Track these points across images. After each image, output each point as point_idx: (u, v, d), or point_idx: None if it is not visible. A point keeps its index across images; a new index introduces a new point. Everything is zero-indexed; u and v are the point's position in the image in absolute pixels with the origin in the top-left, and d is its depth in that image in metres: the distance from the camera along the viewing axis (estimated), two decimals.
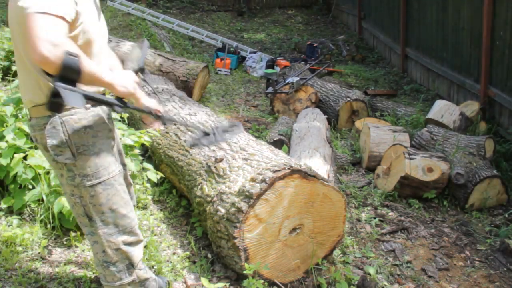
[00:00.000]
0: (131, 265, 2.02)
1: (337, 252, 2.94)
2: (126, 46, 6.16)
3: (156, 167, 3.51)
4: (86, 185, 1.85)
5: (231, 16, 11.95)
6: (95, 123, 1.85)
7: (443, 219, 3.60)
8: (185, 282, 2.54)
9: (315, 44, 8.55)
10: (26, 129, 3.00)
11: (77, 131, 1.79)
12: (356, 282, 2.68)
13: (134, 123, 4.09)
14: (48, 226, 2.82)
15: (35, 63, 1.52)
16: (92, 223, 1.92)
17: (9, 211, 2.97)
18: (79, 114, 1.80)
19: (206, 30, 9.49)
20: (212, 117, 3.70)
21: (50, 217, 2.81)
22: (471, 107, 4.95)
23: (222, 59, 7.82)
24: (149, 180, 3.44)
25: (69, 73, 1.52)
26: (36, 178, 2.89)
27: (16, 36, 1.68)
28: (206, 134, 2.03)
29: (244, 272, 2.36)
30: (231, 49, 8.15)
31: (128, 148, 3.29)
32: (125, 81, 1.81)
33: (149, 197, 3.36)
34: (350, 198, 3.78)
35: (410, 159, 3.71)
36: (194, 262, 2.72)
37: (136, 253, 2.03)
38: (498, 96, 4.75)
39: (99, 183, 1.87)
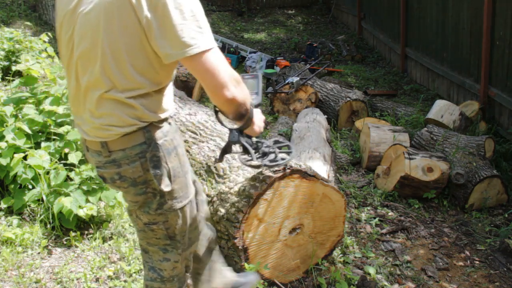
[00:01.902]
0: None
1: (337, 252, 2.94)
2: None
3: None
4: (176, 208, 1.64)
5: (231, 16, 11.95)
6: (179, 140, 1.64)
7: (443, 219, 3.60)
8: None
9: (315, 44, 8.55)
10: (26, 129, 3.00)
11: (171, 153, 1.57)
12: (356, 282, 2.68)
13: None
14: (48, 226, 2.82)
15: (221, 103, 1.42)
16: (173, 242, 1.72)
17: (9, 211, 2.97)
18: (169, 134, 1.58)
19: None
20: (212, 117, 3.69)
21: (50, 217, 2.81)
22: (471, 107, 4.95)
23: None
24: None
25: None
26: (36, 178, 2.89)
27: (109, 60, 1.43)
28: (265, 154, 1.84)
29: (244, 271, 2.36)
30: (231, 49, 8.15)
31: None
32: (260, 120, 1.68)
33: None
34: (350, 198, 3.78)
35: (410, 159, 3.71)
36: None
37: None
38: (498, 96, 4.75)
39: (188, 203, 1.69)
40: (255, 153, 1.73)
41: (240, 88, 1.43)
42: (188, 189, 1.68)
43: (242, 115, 1.51)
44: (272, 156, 1.72)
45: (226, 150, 1.74)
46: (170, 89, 1.60)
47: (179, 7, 1.33)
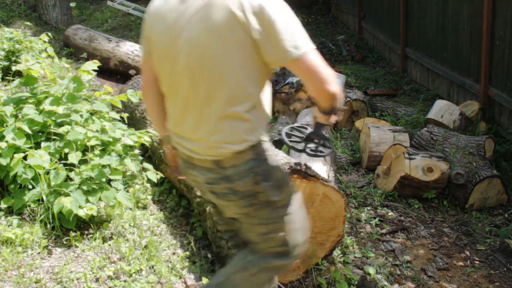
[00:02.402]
0: None
1: (337, 252, 2.94)
2: (126, 46, 6.17)
3: (156, 167, 3.51)
4: (287, 214, 1.73)
5: None
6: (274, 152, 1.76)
7: (443, 219, 3.60)
8: (185, 282, 2.54)
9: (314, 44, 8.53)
10: (26, 129, 3.00)
11: (275, 166, 1.68)
12: (356, 282, 2.68)
13: (134, 123, 4.09)
14: (48, 226, 2.82)
15: (325, 98, 1.51)
16: (287, 246, 1.78)
17: (9, 211, 2.97)
18: (270, 149, 1.68)
19: None
20: None
21: (50, 217, 2.81)
22: (471, 107, 4.95)
23: None
24: (149, 180, 3.44)
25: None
26: (36, 178, 2.89)
27: (218, 77, 1.51)
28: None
29: None
30: None
31: (128, 148, 3.29)
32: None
33: (149, 197, 3.36)
34: (350, 198, 3.78)
35: (410, 159, 3.71)
36: (194, 262, 2.72)
37: None
38: (498, 96, 4.75)
39: (296, 209, 1.77)
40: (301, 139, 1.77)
41: (337, 84, 1.52)
42: (293, 195, 1.76)
43: (334, 109, 1.58)
44: (313, 146, 1.75)
45: (307, 140, 1.74)
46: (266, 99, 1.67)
47: (282, 16, 1.47)
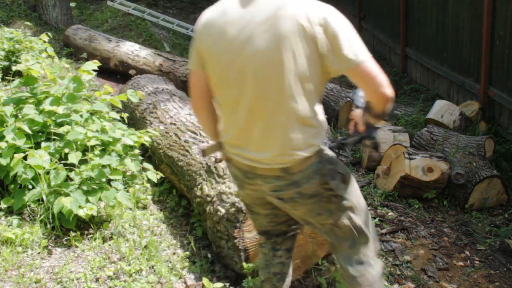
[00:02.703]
0: None
1: None
2: (126, 46, 6.17)
3: (156, 167, 3.51)
4: (353, 205, 1.83)
5: None
6: None
7: (443, 219, 3.60)
8: (185, 282, 2.54)
9: None
10: (26, 129, 3.00)
11: (337, 163, 1.78)
12: None
13: (134, 123, 4.09)
14: (48, 226, 2.82)
15: (382, 101, 1.60)
16: (361, 234, 1.89)
17: (9, 211, 2.97)
18: (327, 149, 1.78)
19: None
20: None
21: (50, 217, 2.81)
22: (471, 107, 4.95)
23: None
24: (149, 180, 3.44)
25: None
26: (36, 178, 2.89)
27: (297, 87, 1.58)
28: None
29: (244, 271, 2.36)
30: None
31: (128, 148, 3.30)
32: None
33: (149, 197, 3.36)
34: None
35: (410, 159, 3.71)
36: (194, 262, 2.72)
37: None
38: (498, 96, 4.75)
39: (361, 199, 1.89)
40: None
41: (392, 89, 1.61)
42: (355, 185, 1.86)
43: (386, 112, 1.66)
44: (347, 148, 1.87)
45: (359, 143, 1.83)
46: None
47: (343, 27, 1.57)
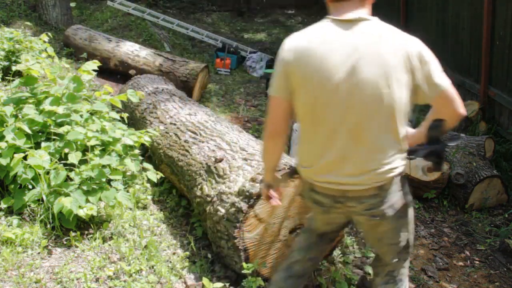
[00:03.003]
0: None
1: (337, 252, 2.94)
2: (126, 46, 6.17)
3: (156, 167, 3.51)
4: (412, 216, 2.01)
5: (231, 16, 11.94)
6: None
7: (443, 219, 3.60)
8: (185, 282, 2.54)
9: None
10: (26, 129, 3.00)
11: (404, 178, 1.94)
12: (356, 282, 2.68)
13: (134, 123, 4.09)
14: (48, 226, 2.82)
15: (458, 119, 1.79)
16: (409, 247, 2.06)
17: (9, 211, 2.97)
18: None
19: (206, 30, 9.49)
20: (212, 117, 3.69)
21: (50, 217, 2.81)
22: (471, 107, 4.95)
23: (222, 59, 7.82)
24: (149, 180, 3.43)
25: None
26: (36, 178, 2.89)
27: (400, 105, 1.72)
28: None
29: (244, 271, 2.36)
30: (231, 49, 8.14)
31: (128, 148, 3.29)
32: None
33: (149, 197, 3.36)
34: None
35: (410, 159, 3.70)
36: (194, 262, 2.72)
37: None
38: (498, 96, 4.75)
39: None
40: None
41: None
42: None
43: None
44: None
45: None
46: None
47: (433, 58, 1.73)
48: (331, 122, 1.71)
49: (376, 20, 1.74)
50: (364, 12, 1.76)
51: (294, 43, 1.74)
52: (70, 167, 2.93)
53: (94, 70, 3.77)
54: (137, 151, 3.37)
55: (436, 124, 1.82)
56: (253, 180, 2.46)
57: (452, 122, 1.81)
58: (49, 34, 5.08)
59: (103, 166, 2.96)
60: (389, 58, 1.65)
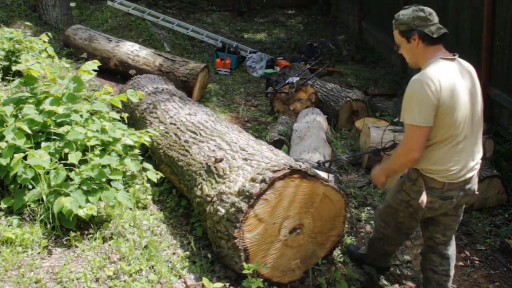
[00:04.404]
0: None
1: (337, 252, 2.94)
2: (126, 46, 6.17)
3: (156, 167, 3.51)
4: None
5: (231, 16, 11.95)
6: None
7: None
8: (185, 282, 2.54)
9: (315, 44, 8.54)
10: (26, 129, 3.00)
11: None
12: (356, 282, 2.68)
13: (134, 123, 4.09)
14: (48, 226, 2.82)
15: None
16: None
17: (9, 211, 2.97)
18: None
19: (206, 30, 9.49)
20: (212, 117, 3.69)
21: (50, 217, 2.81)
22: None
23: (222, 59, 7.82)
24: (149, 180, 3.43)
25: None
26: (36, 178, 2.89)
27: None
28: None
29: (244, 271, 2.36)
30: (231, 49, 8.14)
31: (128, 148, 3.30)
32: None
33: (149, 197, 3.36)
34: (350, 198, 3.77)
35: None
36: (194, 262, 2.72)
37: None
38: (498, 96, 4.75)
39: None
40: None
41: None
42: None
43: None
44: None
45: None
46: None
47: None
48: (467, 133, 2.26)
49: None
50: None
51: (443, 81, 2.18)
52: (70, 167, 2.93)
53: (94, 70, 3.77)
54: (137, 151, 3.37)
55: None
56: (253, 180, 2.46)
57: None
58: (49, 34, 5.08)
59: (103, 166, 2.96)
60: (479, 87, 2.38)
